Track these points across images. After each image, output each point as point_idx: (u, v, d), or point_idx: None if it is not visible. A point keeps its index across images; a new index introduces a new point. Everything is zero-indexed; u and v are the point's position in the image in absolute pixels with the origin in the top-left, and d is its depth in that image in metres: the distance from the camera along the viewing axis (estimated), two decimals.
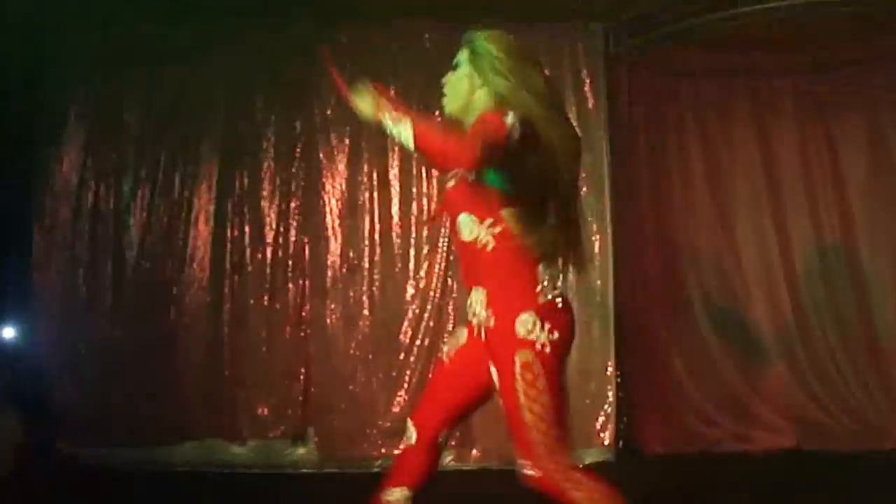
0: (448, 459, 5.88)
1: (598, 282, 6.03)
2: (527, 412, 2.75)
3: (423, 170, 6.05)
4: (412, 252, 6.00)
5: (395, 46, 6.08)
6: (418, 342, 5.95)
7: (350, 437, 5.86)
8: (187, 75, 6.00)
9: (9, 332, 6.16)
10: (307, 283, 6.00)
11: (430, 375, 3.18)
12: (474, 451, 5.94)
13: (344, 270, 5.93)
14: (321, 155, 6.01)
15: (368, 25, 5.99)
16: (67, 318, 5.98)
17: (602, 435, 5.96)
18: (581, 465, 3.16)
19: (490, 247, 2.83)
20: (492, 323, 2.83)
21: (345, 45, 5.95)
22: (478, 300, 2.87)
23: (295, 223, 5.98)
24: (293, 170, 6.02)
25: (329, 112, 6.00)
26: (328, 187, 5.95)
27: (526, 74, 2.86)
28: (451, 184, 2.93)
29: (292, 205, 6.02)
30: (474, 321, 2.90)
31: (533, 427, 2.76)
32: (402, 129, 2.70)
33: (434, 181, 6.03)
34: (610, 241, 6.06)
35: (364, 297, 5.90)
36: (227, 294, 5.91)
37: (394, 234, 5.99)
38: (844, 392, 6.36)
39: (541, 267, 2.84)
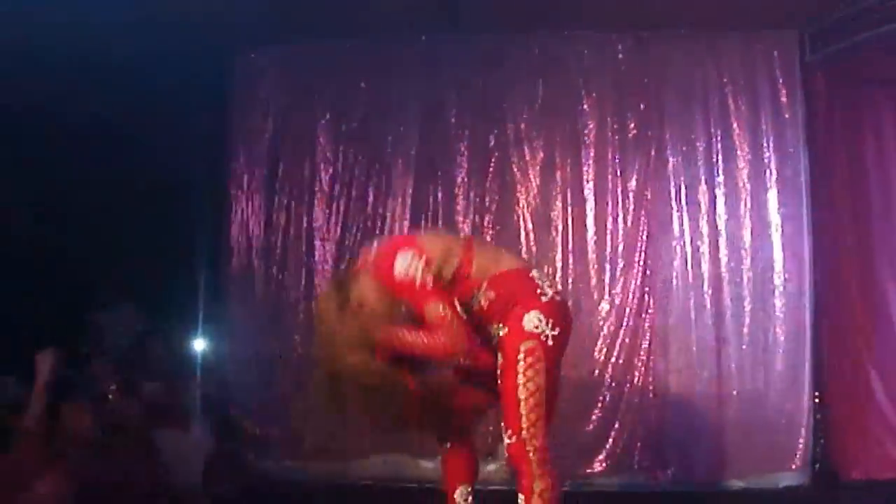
0: (641, 480, 5.81)
1: (797, 298, 5.86)
2: (522, 388, 3.20)
3: (619, 184, 5.95)
4: (607, 267, 5.90)
5: (587, 58, 5.99)
6: (613, 359, 5.84)
7: None
8: (379, 90, 6.01)
9: (201, 346, 6.28)
10: None
11: None
12: (668, 474, 5.79)
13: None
14: (514, 169, 5.98)
15: (561, 37, 5.92)
16: (259, 332, 6.07)
17: (798, 457, 5.78)
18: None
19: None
20: (503, 332, 3.31)
21: (536, 55, 5.90)
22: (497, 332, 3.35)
23: (489, 238, 5.89)
24: (487, 184, 5.99)
25: (522, 126, 5.97)
26: (522, 202, 5.90)
27: None
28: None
29: (486, 219, 5.98)
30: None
31: (524, 401, 3.19)
32: None
33: (630, 195, 5.93)
34: (808, 254, 5.89)
35: None
36: None
37: (589, 250, 5.90)
38: None
39: (535, 272, 3.44)
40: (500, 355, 3.32)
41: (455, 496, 3.61)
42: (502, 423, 3.27)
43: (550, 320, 3.27)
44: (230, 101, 6.22)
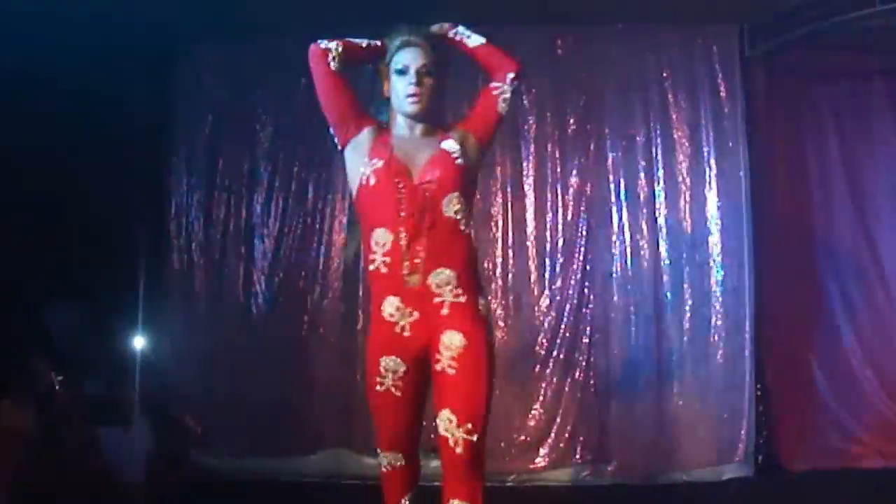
0: (584, 474, 5.82)
1: (737, 291, 5.88)
2: (487, 384, 2.95)
3: (559, 178, 5.95)
4: (547, 262, 5.90)
5: (527, 53, 5.95)
6: (554, 354, 5.85)
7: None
8: None
9: (141, 342, 6.22)
10: None
11: (380, 408, 3.16)
12: (610, 467, 5.82)
13: None
14: None
15: (500, 30, 5.88)
16: (200, 327, 6.02)
17: (741, 450, 5.81)
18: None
19: (467, 232, 3.01)
20: (462, 300, 2.97)
21: None
22: (446, 279, 2.95)
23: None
24: None
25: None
26: None
27: None
28: (432, 156, 3.03)
29: None
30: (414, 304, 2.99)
31: (487, 398, 2.97)
32: None
33: (570, 190, 5.93)
34: (748, 247, 5.91)
35: (499, 309, 5.80)
36: (361, 304, 5.83)
37: (529, 245, 5.89)
38: None
39: None
40: (455, 330, 2.98)
41: None
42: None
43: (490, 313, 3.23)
44: (170, 95, 6.15)
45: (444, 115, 3.28)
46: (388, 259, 2.96)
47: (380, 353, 3.05)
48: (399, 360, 3.03)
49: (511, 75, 3.15)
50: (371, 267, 3.01)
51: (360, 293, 5.85)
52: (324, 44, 3.11)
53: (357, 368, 5.79)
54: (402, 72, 3.08)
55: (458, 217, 2.97)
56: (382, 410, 3.13)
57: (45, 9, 5.33)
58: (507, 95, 3.13)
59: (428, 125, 3.10)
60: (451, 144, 3.02)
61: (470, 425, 2.91)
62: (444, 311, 2.96)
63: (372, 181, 2.99)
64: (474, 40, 3.27)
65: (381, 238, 2.96)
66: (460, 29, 3.30)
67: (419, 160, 3.00)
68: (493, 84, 3.16)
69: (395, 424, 3.16)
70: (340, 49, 3.10)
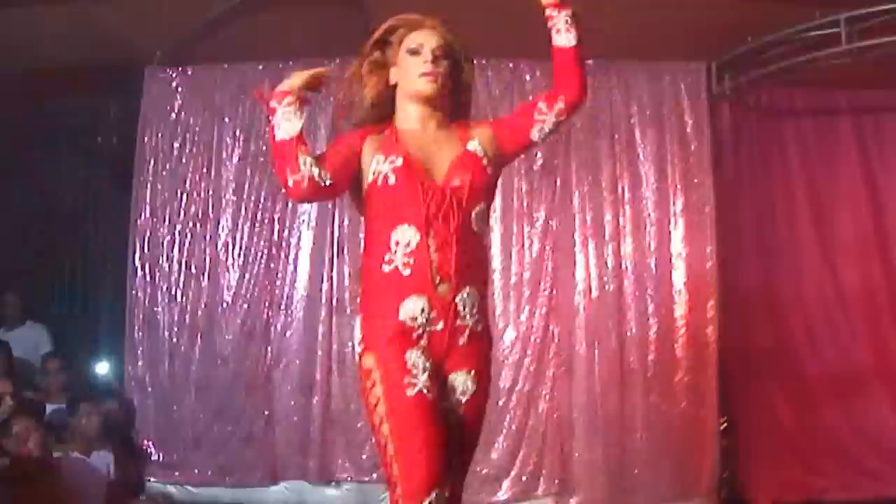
0: None
1: (701, 325, 5.90)
2: (479, 433, 2.63)
3: (525, 212, 5.97)
4: (512, 295, 5.89)
5: (495, 85, 6.01)
6: (518, 387, 5.84)
7: None
8: None
9: (103, 369, 6.18)
10: None
11: (414, 421, 2.41)
12: (574, 500, 5.82)
13: None
14: None
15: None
16: (161, 356, 5.97)
17: (706, 484, 5.82)
18: None
19: (488, 249, 2.79)
20: (480, 328, 2.61)
21: None
22: (472, 301, 2.58)
23: None
24: None
25: None
26: None
27: None
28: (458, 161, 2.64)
29: None
30: (426, 327, 2.53)
31: (476, 446, 2.64)
32: None
33: (536, 224, 5.94)
34: (714, 283, 5.93)
35: None
36: (325, 334, 5.83)
37: (494, 278, 5.86)
38: None
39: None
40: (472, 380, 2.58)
41: None
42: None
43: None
44: (138, 121, 6.09)
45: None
46: (411, 260, 2.52)
47: (402, 347, 2.51)
48: (424, 358, 2.52)
49: (560, 105, 2.66)
50: (386, 268, 2.53)
51: (325, 326, 5.87)
52: (300, 172, 2.51)
53: (315, 399, 5.78)
54: (416, 51, 2.65)
55: (483, 231, 2.67)
56: (419, 423, 2.44)
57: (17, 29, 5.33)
58: (547, 126, 2.68)
59: (442, 117, 2.69)
60: (476, 146, 2.65)
61: (457, 476, 2.59)
62: (462, 341, 2.57)
63: (391, 180, 2.56)
64: (564, 38, 2.65)
65: (405, 236, 2.53)
66: (565, 13, 2.65)
67: (439, 159, 2.62)
68: (540, 105, 2.68)
69: (436, 439, 2.44)
70: (313, 159, 2.54)
